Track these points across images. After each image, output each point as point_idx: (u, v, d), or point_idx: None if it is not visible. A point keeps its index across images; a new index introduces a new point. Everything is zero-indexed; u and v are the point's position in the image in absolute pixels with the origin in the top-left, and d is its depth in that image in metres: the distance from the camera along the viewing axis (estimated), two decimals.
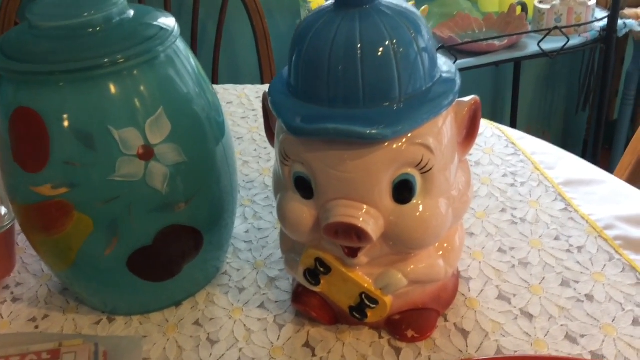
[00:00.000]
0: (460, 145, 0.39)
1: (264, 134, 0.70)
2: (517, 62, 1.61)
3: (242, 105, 0.78)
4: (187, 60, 0.43)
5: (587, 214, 0.54)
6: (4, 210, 0.50)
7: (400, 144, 0.35)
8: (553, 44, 1.26)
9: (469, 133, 0.39)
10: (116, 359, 0.43)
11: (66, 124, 0.38)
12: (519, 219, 0.54)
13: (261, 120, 0.74)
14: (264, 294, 0.48)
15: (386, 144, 0.35)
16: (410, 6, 0.37)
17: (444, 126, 0.37)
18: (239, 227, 0.56)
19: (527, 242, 0.51)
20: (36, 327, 0.47)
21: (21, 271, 0.53)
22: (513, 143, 0.65)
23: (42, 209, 0.41)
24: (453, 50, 1.22)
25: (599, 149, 1.51)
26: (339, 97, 0.35)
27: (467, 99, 0.39)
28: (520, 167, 0.61)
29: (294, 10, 1.44)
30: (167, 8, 1.24)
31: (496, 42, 1.25)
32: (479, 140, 0.65)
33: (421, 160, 0.36)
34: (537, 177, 0.59)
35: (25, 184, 0.40)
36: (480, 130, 0.67)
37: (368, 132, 0.34)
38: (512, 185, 0.58)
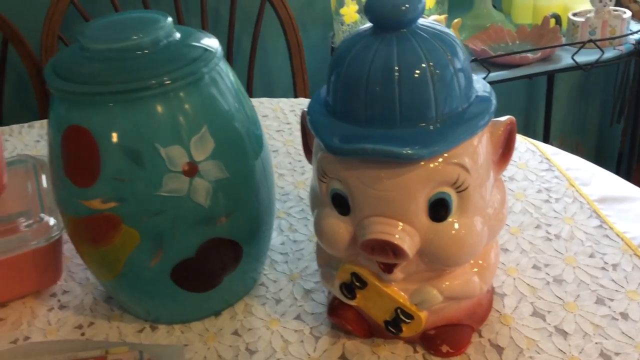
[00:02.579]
0: (495, 163, 0.40)
1: (298, 147, 0.72)
2: (551, 75, 1.60)
3: (277, 118, 0.80)
4: (228, 78, 0.45)
5: (622, 232, 0.54)
6: (52, 221, 0.52)
7: (436, 164, 0.36)
8: (587, 56, 1.25)
9: (505, 152, 0.40)
10: None
11: (115, 141, 0.40)
12: (553, 236, 0.54)
13: (296, 133, 0.75)
14: (300, 306, 0.50)
15: (422, 163, 0.36)
16: (445, 28, 0.38)
17: (479, 146, 0.38)
18: (275, 239, 0.57)
19: (562, 259, 0.51)
20: (82, 334, 0.49)
21: (67, 279, 0.55)
22: (547, 158, 0.65)
23: (91, 222, 0.43)
24: (486, 63, 1.22)
25: (634, 162, 1.49)
26: (376, 118, 0.36)
27: (502, 118, 0.40)
28: (554, 183, 0.61)
29: (326, 23, 1.46)
30: (204, 22, 1.27)
31: (529, 55, 1.24)
32: (513, 155, 0.66)
33: (457, 179, 0.37)
34: (572, 193, 0.59)
35: (76, 198, 0.42)
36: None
37: (405, 152, 0.35)
38: (547, 201, 0.59)
